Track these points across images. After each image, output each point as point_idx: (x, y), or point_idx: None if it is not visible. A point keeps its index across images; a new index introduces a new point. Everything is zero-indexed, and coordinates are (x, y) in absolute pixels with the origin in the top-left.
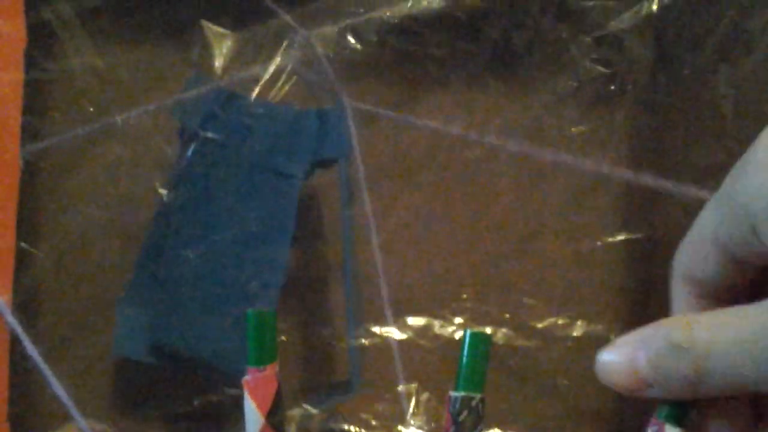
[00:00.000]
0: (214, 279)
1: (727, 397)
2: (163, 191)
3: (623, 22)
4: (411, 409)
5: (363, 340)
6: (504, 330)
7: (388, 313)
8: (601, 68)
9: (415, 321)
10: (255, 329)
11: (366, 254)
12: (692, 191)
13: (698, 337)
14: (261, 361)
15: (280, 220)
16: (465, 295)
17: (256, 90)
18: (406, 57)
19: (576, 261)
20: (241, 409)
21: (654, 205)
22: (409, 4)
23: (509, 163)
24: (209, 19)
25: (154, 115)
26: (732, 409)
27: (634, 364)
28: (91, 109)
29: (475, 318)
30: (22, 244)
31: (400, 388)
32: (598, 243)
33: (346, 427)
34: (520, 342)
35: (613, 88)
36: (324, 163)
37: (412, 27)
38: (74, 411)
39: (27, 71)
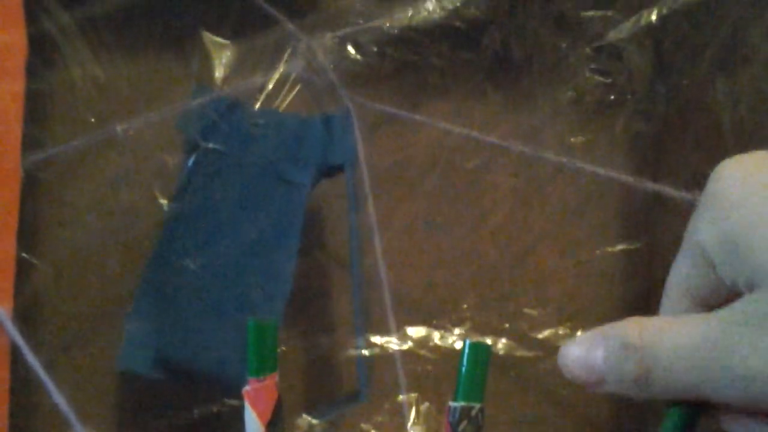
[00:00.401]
0: (217, 289)
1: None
2: (163, 201)
3: (622, 32)
4: (411, 419)
5: (364, 351)
6: (504, 340)
7: (391, 322)
8: (600, 78)
9: (416, 331)
10: (255, 340)
11: (368, 263)
12: (690, 200)
13: (647, 339)
14: (261, 372)
15: (286, 228)
16: (465, 306)
17: (261, 99)
18: (405, 67)
19: (575, 271)
20: (241, 419)
21: (652, 215)
22: (409, 15)
23: (509, 173)
24: (209, 30)
25: (154, 125)
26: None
27: (591, 359)
28: (92, 120)
29: (475, 328)
30: (23, 254)
31: (401, 398)
32: (597, 253)
33: None
34: (520, 352)
35: (612, 97)
36: (330, 171)
37: (412, 37)
38: (74, 420)
39: (28, 82)
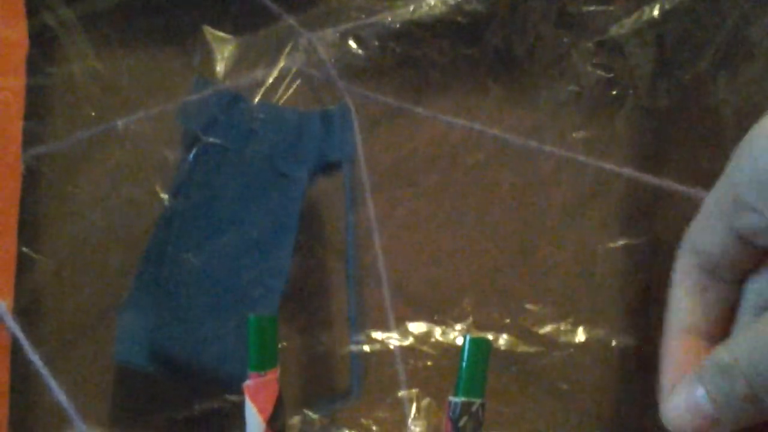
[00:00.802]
0: (216, 283)
1: None
2: (164, 196)
3: (624, 27)
4: (412, 415)
5: (365, 346)
6: (505, 336)
7: (391, 318)
8: (602, 73)
9: (417, 327)
10: (256, 334)
11: (368, 259)
12: (692, 195)
13: (739, 353)
14: (262, 366)
15: (284, 222)
16: (466, 301)
17: (260, 93)
18: (407, 62)
19: (577, 266)
20: (241, 415)
21: (654, 211)
22: (411, 10)
23: (510, 168)
24: (211, 24)
25: (156, 119)
26: None
27: (696, 402)
28: (93, 114)
29: (476, 324)
30: (24, 249)
31: (401, 393)
32: (599, 248)
33: None
34: (522, 348)
35: (614, 93)
36: (328, 167)
37: (414, 32)
38: (74, 415)
39: (29, 76)
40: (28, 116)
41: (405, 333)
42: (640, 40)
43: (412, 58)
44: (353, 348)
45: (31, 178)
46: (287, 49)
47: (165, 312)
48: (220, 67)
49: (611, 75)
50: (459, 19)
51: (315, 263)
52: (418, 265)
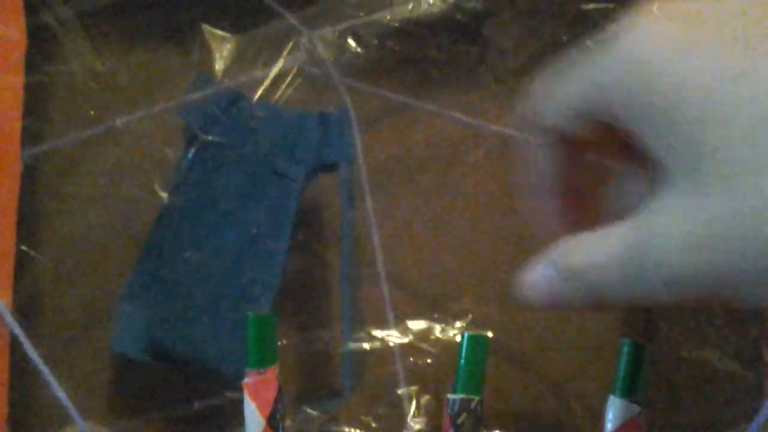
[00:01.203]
0: (214, 280)
1: None
2: (163, 194)
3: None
4: (411, 412)
5: (364, 344)
6: (505, 333)
7: (390, 316)
8: None
9: (416, 324)
10: (255, 331)
11: (367, 257)
12: None
13: (581, 261)
14: (261, 364)
15: (280, 221)
16: (466, 298)
17: (259, 92)
18: (406, 60)
19: None
20: (240, 413)
21: None
22: (410, 8)
23: (510, 166)
24: (209, 22)
25: (155, 118)
26: None
27: (551, 283)
28: (92, 112)
29: (476, 321)
30: (22, 247)
31: (401, 391)
32: None
33: (346, 430)
34: (521, 344)
35: None
36: (325, 169)
37: (413, 30)
38: (74, 413)
39: (27, 74)
40: (26, 114)
41: (404, 330)
42: None
43: (411, 57)
44: (346, 346)
45: (30, 177)
46: (288, 48)
47: (161, 307)
48: (218, 66)
49: None
50: (458, 17)
51: (315, 261)
52: (417, 262)
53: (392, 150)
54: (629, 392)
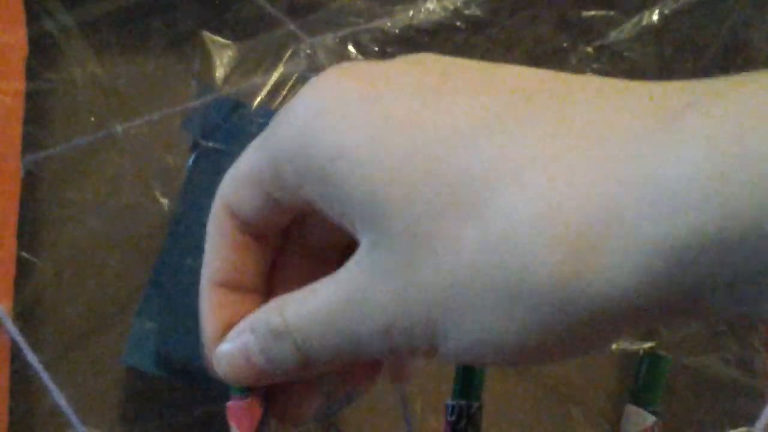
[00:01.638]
0: None
1: None
2: (164, 201)
3: (624, 32)
4: (410, 418)
5: None
6: None
7: None
8: None
9: None
10: None
11: None
12: None
13: (291, 318)
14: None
15: None
16: None
17: (259, 98)
18: None
19: None
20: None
21: None
22: (410, 15)
23: None
24: (210, 30)
25: (156, 124)
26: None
27: (249, 353)
28: (92, 119)
29: None
30: (23, 254)
31: (400, 396)
32: None
33: None
34: None
35: None
36: None
37: (413, 37)
38: (75, 420)
39: (28, 81)
40: (27, 121)
41: None
42: (639, 44)
43: None
44: None
45: (31, 183)
46: (288, 54)
47: (170, 318)
48: (219, 73)
49: None
50: (458, 24)
51: None
52: None
53: None
54: (647, 402)
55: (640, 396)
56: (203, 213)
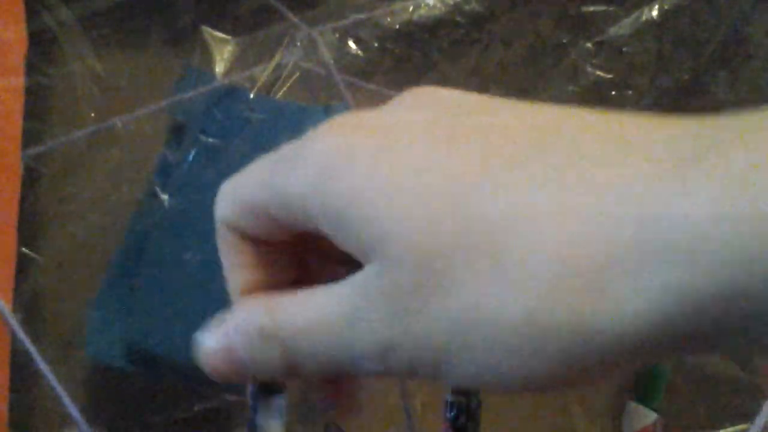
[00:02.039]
0: (214, 284)
1: None
2: (164, 196)
3: (624, 27)
4: (410, 415)
5: None
6: None
7: None
8: (601, 74)
9: None
10: None
11: None
12: None
13: (281, 321)
14: None
15: None
16: None
17: (256, 87)
18: (406, 62)
19: None
20: (240, 415)
21: None
22: (410, 9)
23: None
24: (209, 25)
25: (155, 120)
26: None
27: (232, 351)
28: (92, 114)
29: None
30: (24, 249)
31: (399, 393)
32: None
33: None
34: None
35: (613, 93)
36: None
37: (413, 32)
38: (76, 415)
39: (28, 76)
40: (27, 116)
41: None
42: (639, 40)
43: (410, 58)
44: None
45: (31, 178)
46: (284, 43)
47: (141, 312)
48: (219, 68)
49: (611, 75)
50: (458, 19)
51: None
52: None
53: None
54: (648, 400)
55: (642, 393)
56: (202, 207)
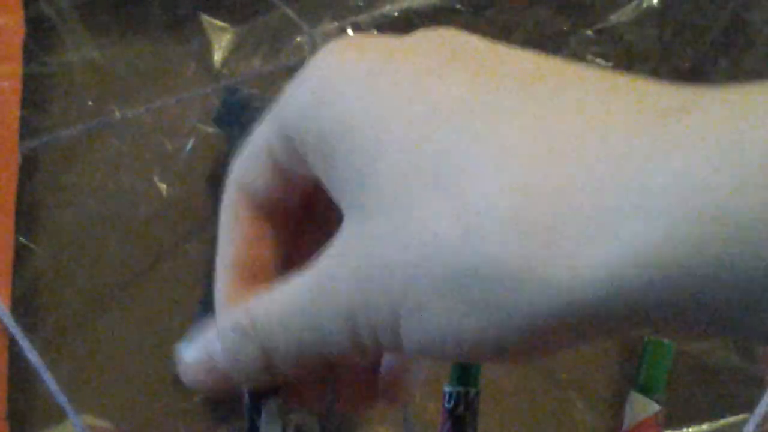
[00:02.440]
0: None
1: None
2: (162, 185)
3: (624, 15)
4: (409, 408)
5: None
6: None
7: None
8: (601, 62)
9: None
10: None
11: None
12: None
13: (257, 317)
14: None
15: None
16: None
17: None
18: None
19: None
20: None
21: None
22: None
23: None
24: (208, 13)
25: (154, 109)
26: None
27: (214, 359)
28: (90, 104)
29: None
30: (21, 239)
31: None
32: None
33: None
34: None
35: None
36: None
37: (413, 20)
38: (70, 408)
39: (26, 65)
40: (25, 106)
41: None
42: (640, 27)
43: None
44: None
45: (29, 168)
46: (287, 45)
47: None
48: (217, 56)
49: (611, 63)
50: (458, 7)
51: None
52: None
53: None
54: (650, 390)
55: (645, 384)
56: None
